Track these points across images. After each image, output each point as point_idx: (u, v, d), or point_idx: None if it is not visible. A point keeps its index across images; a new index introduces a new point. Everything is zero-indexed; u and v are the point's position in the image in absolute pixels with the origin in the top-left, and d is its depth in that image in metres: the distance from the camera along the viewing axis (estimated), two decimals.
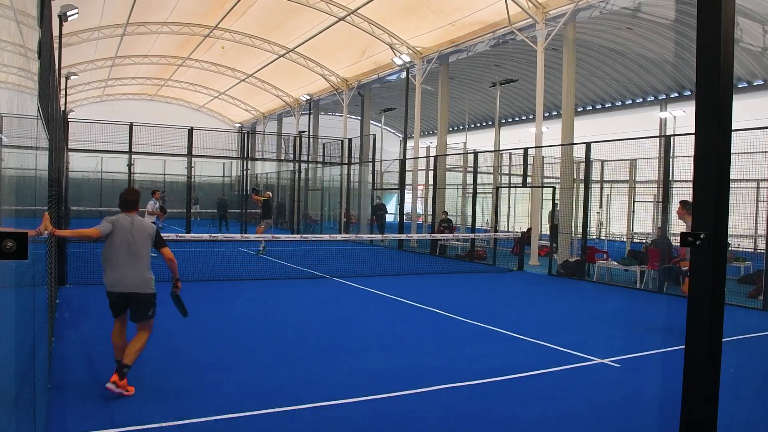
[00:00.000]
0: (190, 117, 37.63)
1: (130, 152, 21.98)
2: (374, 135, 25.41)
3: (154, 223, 15.33)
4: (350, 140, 26.08)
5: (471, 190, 18.76)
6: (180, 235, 14.94)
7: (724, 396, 2.29)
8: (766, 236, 11.33)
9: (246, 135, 27.44)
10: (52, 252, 6.72)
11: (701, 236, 2.18)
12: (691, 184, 2.28)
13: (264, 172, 36.44)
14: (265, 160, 35.15)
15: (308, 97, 30.57)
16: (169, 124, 24.31)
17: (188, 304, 9.87)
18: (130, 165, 21.98)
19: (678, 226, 12.98)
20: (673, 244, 12.19)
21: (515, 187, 20.95)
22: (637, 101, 27.18)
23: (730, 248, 13.54)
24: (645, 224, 16.36)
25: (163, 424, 4.30)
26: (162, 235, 5.56)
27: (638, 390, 5.70)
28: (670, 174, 12.31)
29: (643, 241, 15.57)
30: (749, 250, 16.09)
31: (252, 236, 15.92)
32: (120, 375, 4.86)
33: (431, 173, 21.91)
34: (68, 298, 9.38)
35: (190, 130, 22.97)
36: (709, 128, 2.19)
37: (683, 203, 8.50)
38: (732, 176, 2.36)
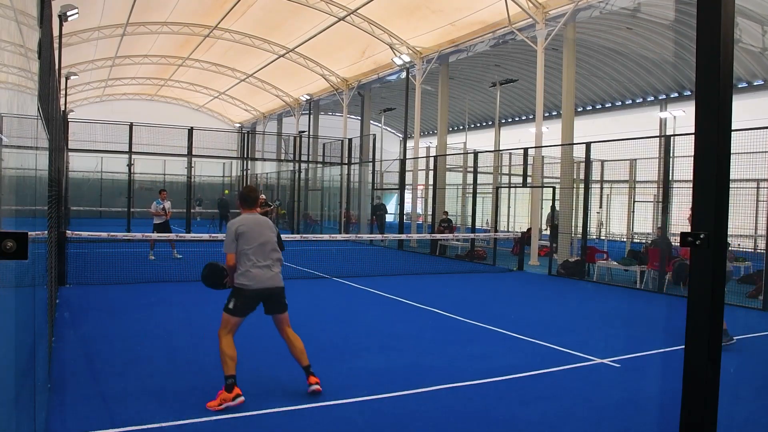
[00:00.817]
0: (190, 117, 37.63)
1: (130, 152, 21.99)
2: (374, 135, 25.42)
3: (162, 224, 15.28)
4: (350, 140, 26.08)
5: (471, 190, 18.76)
6: (180, 235, 14.95)
7: (724, 396, 2.29)
8: (766, 236, 11.33)
9: (246, 135, 27.45)
10: (52, 252, 6.72)
11: (701, 236, 2.18)
12: (691, 184, 2.28)
13: (264, 172, 36.45)
14: (265, 160, 35.15)
15: (308, 97, 30.57)
16: (169, 124, 24.31)
17: (189, 303, 9.91)
18: (130, 165, 21.99)
19: (678, 226, 13.00)
20: (673, 244, 12.19)
21: (515, 187, 20.96)
22: (637, 101, 27.18)
23: (730, 248, 13.54)
24: (645, 224, 16.36)
25: (163, 424, 4.30)
26: (162, 235, 5.53)
27: (638, 390, 5.70)
28: (670, 174, 12.31)
29: (643, 241, 15.58)
30: (749, 250, 16.09)
31: None
32: (308, 375, 5.03)
33: (431, 173, 21.91)
34: (68, 298, 9.38)
35: (190, 130, 22.97)
36: (709, 128, 2.19)
37: None
38: (732, 176, 2.36)
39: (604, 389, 5.64)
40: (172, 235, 14.49)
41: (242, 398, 4.69)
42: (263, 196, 18.54)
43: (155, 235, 14.40)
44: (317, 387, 4.94)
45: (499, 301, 11.25)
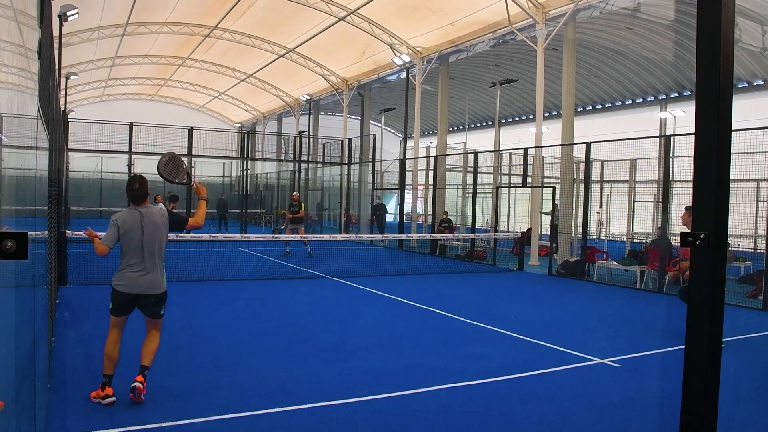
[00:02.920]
0: (190, 117, 37.64)
1: (130, 152, 22.00)
2: (374, 135, 25.41)
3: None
4: (350, 140, 26.09)
5: (471, 190, 18.76)
6: (180, 235, 14.94)
7: (724, 396, 2.29)
8: (766, 236, 11.33)
9: (246, 135, 27.45)
10: (52, 252, 6.72)
11: (701, 236, 2.18)
12: (691, 184, 2.28)
13: (264, 172, 36.45)
14: (265, 160, 35.17)
15: (308, 97, 30.57)
16: (169, 124, 24.32)
17: (189, 303, 9.90)
18: (130, 165, 22.01)
19: (678, 226, 12.98)
20: (673, 244, 12.19)
21: (515, 187, 20.95)
22: (637, 101, 27.18)
23: (730, 248, 13.54)
24: (645, 224, 16.36)
25: (163, 424, 4.30)
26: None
27: (638, 390, 5.70)
28: (670, 174, 12.31)
29: (643, 241, 15.57)
30: (749, 250, 16.09)
31: (282, 237, 16.00)
32: (141, 373, 4.81)
33: (431, 173, 21.91)
34: (68, 298, 9.38)
35: (190, 130, 22.98)
36: (709, 128, 2.19)
37: (689, 209, 8.35)
38: (732, 176, 2.36)
39: (604, 389, 5.64)
40: (171, 236, 14.61)
41: (113, 399, 4.61)
42: (296, 194, 18.48)
43: None
44: (138, 384, 4.65)
45: (499, 301, 11.25)
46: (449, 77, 23.10)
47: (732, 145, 2.23)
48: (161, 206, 5.14)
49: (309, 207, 29.72)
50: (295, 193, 18.48)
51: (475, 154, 19.41)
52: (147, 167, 31.68)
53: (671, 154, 12.34)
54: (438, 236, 17.45)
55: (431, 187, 21.47)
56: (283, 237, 15.89)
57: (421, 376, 5.72)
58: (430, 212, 22.67)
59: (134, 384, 4.68)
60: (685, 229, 8.30)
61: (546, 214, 17.25)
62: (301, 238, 15.52)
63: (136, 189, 4.88)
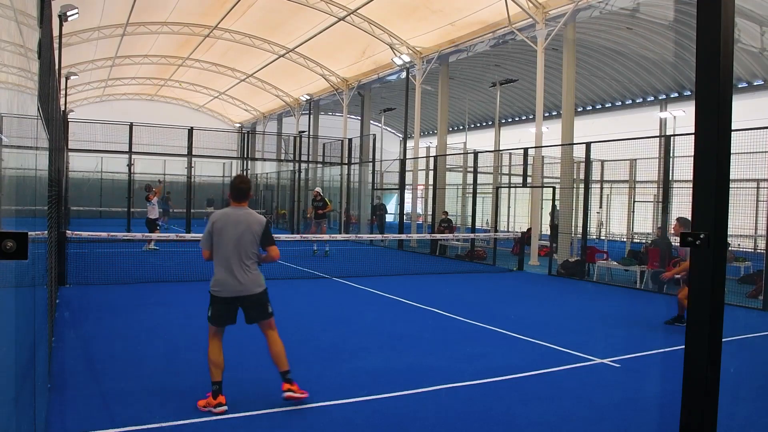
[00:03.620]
0: (190, 117, 37.63)
1: (130, 152, 21.98)
2: (374, 135, 25.41)
3: (158, 225, 15.50)
4: (350, 140, 26.08)
5: (471, 190, 18.76)
6: (180, 235, 14.95)
7: (724, 396, 2.29)
8: (766, 236, 11.33)
9: (246, 135, 27.45)
10: (52, 252, 6.72)
11: (701, 236, 2.18)
12: (691, 184, 2.28)
13: (264, 172, 36.45)
14: (265, 160, 35.15)
15: (308, 97, 30.58)
16: (169, 124, 24.30)
17: (189, 303, 9.90)
18: (130, 165, 22.00)
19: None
20: (673, 244, 12.19)
21: (515, 187, 20.95)
22: (637, 101, 27.18)
23: (730, 248, 13.54)
24: (645, 224, 16.36)
25: (163, 424, 4.30)
26: (162, 235, 5.37)
27: (638, 390, 5.70)
28: (670, 174, 12.31)
29: (643, 241, 15.57)
30: (749, 250, 16.09)
31: (310, 237, 16.03)
32: (286, 381, 4.69)
33: (431, 173, 21.91)
34: (68, 298, 9.38)
35: (190, 130, 22.96)
36: (709, 128, 2.19)
37: (680, 220, 8.03)
38: (732, 176, 2.36)
39: (604, 389, 5.64)
40: (171, 236, 14.73)
41: (224, 407, 4.48)
42: (318, 189, 18.39)
43: (155, 235, 14.69)
44: (289, 394, 4.64)
45: (499, 301, 11.25)
46: (449, 77, 23.10)
47: (732, 145, 2.23)
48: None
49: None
50: (316, 189, 18.47)
51: (475, 154, 19.41)
52: (147, 167, 31.76)
53: (671, 154, 12.35)
54: (438, 236, 17.46)
55: (431, 187, 21.47)
56: (310, 237, 15.86)
57: (421, 376, 5.72)
58: (430, 212, 22.67)
59: (285, 395, 4.63)
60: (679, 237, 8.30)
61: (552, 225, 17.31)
62: (326, 237, 15.59)
63: (237, 185, 4.79)
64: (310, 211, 17.22)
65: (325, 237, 15.63)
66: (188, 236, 14.37)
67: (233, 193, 4.79)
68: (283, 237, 16.55)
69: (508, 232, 19.82)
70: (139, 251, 15.62)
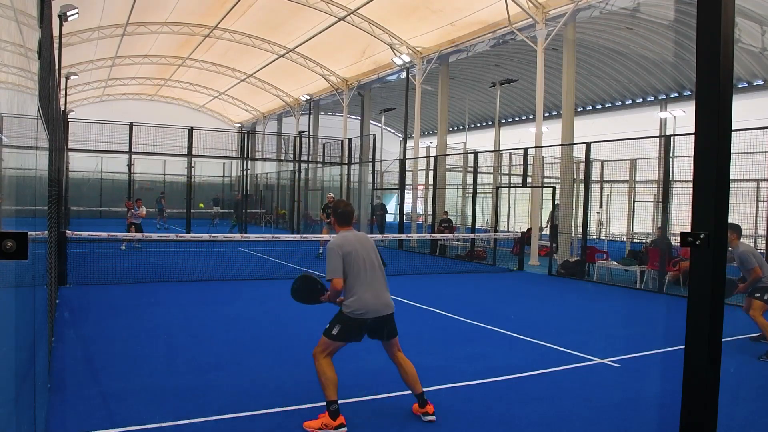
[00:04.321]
0: (190, 117, 37.64)
1: (130, 152, 21.99)
2: (374, 135, 25.41)
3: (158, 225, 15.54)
4: (350, 140, 26.09)
5: (471, 190, 18.76)
6: (180, 235, 14.96)
7: (724, 396, 2.29)
8: (766, 236, 11.33)
9: (246, 135, 27.45)
10: (52, 252, 6.72)
11: (701, 236, 2.18)
12: (691, 184, 2.28)
13: (264, 172, 36.46)
14: (265, 160, 35.16)
15: (308, 97, 30.58)
16: (169, 124, 24.31)
17: (188, 303, 9.89)
18: (130, 165, 22.02)
19: (678, 226, 13.00)
20: (673, 244, 12.19)
21: (515, 187, 20.96)
22: (637, 101, 27.18)
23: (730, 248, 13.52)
24: (645, 224, 16.35)
25: (163, 424, 4.30)
26: (162, 235, 5.37)
27: (638, 390, 5.70)
28: (670, 174, 12.31)
29: (643, 241, 15.57)
30: None
31: (311, 236, 15.98)
32: (422, 403, 4.58)
33: (431, 173, 21.91)
34: (68, 298, 9.38)
35: (190, 130, 22.97)
36: (709, 128, 2.19)
37: (731, 227, 7.17)
38: (732, 176, 2.36)
39: (604, 389, 5.64)
40: (171, 235, 14.77)
41: (345, 429, 4.23)
42: (331, 195, 18.37)
43: (155, 235, 14.73)
44: (432, 417, 4.53)
45: (499, 301, 11.25)
46: (449, 77, 23.10)
47: (732, 145, 2.23)
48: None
49: (310, 207, 29.76)
50: (330, 194, 18.51)
51: (475, 154, 19.41)
52: (147, 167, 31.71)
53: (671, 154, 12.34)
54: (438, 236, 17.45)
55: (431, 187, 21.47)
56: (311, 236, 15.86)
57: (421, 376, 5.70)
58: (430, 212, 22.67)
59: (425, 419, 4.54)
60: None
61: (545, 227, 17.32)
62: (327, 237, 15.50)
63: (344, 210, 4.71)
64: (323, 216, 17.22)
65: (309, 237, 15.60)
66: (188, 236, 14.38)
67: (341, 219, 4.72)
68: (283, 237, 16.55)
69: (508, 232, 19.82)
70: (140, 251, 15.64)
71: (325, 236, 15.51)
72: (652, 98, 26.27)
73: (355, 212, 4.72)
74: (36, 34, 3.19)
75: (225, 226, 27.47)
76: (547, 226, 16.91)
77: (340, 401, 4.45)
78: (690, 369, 2.25)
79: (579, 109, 28.09)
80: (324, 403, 4.36)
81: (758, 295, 7.04)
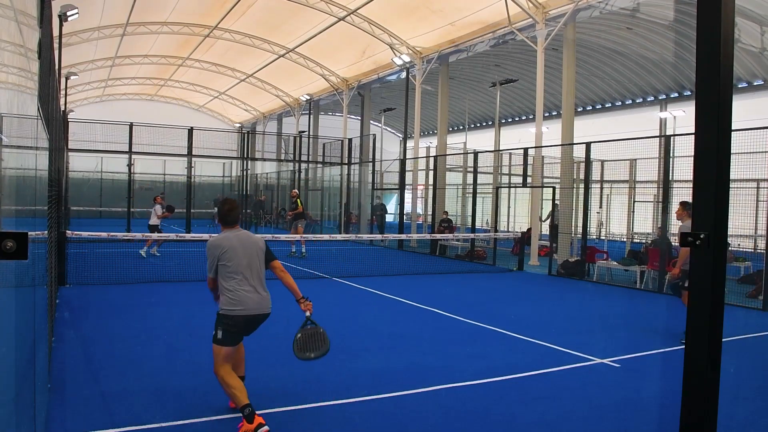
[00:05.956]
0: (190, 117, 37.63)
1: (130, 152, 21.98)
2: (374, 135, 25.42)
3: (157, 226, 15.47)
4: (350, 140, 26.09)
5: (471, 190, 18.76)
6: (180, 235, 14.95)
7: (724, 396, 2.29)
8: (766, 236, 11.33)
9: (246, 135, 27.45)
10: (52, 252, 6.72)
11: (701, 236, 2.18)
12: (691, 184, 2.28)
13: (264, 172, 36.45)
14: (265, 160, 35.16)
15: (308, 97, 30.58)
16: (169, 124, 24.30)
17: (189, 304, 9.90)
18: (130, 165, 21.99)
19: (678, 225, 12.98)
20: (673, 244, 12.18)
21: (515, 187, 20.96)
22: (637, 101, 27.18)
23: (730, 248, 13.54)
24: (645, 224, 16.35)
25: (163, 424, 4.30)
26: (163, 235, 5.38)
27: (638, 390, 5.70)
28: (670, 174, 12.31)
29: (643, 241, 15.57)
30: (749, 250, 16.09)
31: (282, 237, 15.84)
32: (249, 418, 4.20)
33: (431, 173, 21.91)
34: (68, 298, 9.38)
35: (190, 130, 22.97)
36: (709, 128, 2.19)
37: (683, 204, 8.33)
38: (732, 176, 2.36)
39: (604, 389, 5.64)
40: (171, 235, 14.77)
41: (266, 428, 4.13)
42: (294, 191, 18.31)
43: (155, 235, 14.71)
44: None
45: (499, 301, 11.25)
46: (449, 77, 23.10)
47: (732, 145, 2.23)
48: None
49: (310, 207, 29.74)
50: (293, 191, 18.48)
51: (475, 154, 19.41)
52: (147, 167, 31.68)
53: (671, 154, 12.34)
54: (438, 236, 17.45)
55: (431, 187, 21.47)
56: (283, 237, 15.81)
57: (421, 376, 5.72)
58: (430, 212, 22.67)
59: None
60: (681, 224, 8.32)
61: (545, 221, 17.29)
62: (299, 237, 15.32)
63: (227, 211, 4.68)
64: (288, 213, 17.14)
65: (297, 237, 15.35)
66: (188, 236, 14.37)
67: (224, 219, 4.70)
68: (282, 237, 16.54)
69: (508, 232, 19.82)
70: (140, 252, 15.61)
71: (296, 236, 15.45)
72: (652, 98, 26.27)
73: (239, 212, 4.75)
74: (36, 34, 3.19)
75: (203, 226, 27.44)
76: (547, 219, 16.87)
77: (342, 401, 4.45)
78: (690, 369, 2.25)
79: (579, 109, 28.09)
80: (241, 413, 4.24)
81: (681, 283, 7.84)
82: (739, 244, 15.47)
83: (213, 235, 13.73)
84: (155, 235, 14.75)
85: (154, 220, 15.33)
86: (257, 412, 4.22)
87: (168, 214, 15.58)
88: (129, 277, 11.57)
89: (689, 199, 7.24)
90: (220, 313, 4.57)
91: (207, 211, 32.00)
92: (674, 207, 12.60)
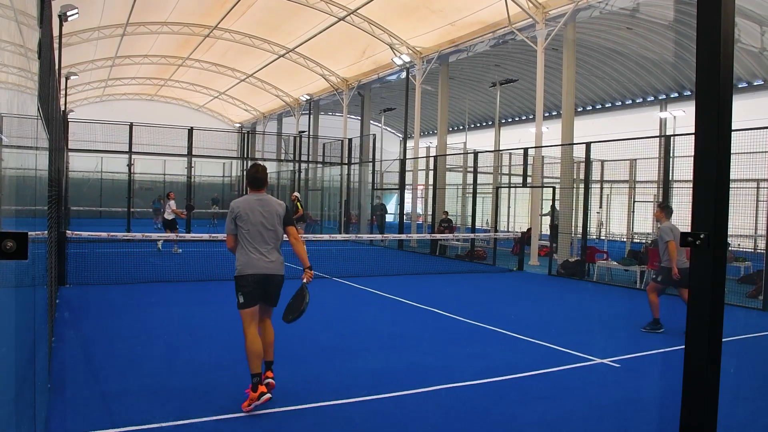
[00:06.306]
0: (190, 117, 37.63)
1: (130, 152, 21.98)
2: (374, 135, 25.42)
3: (174, 222, 15.45)
4: (350, 140, 26.09)
5: (471, 190, 18.76)
6: (180, 234, 14.96)
7: (724, 396, 2.29)
8: (766, 236, 11.33)
9: (246, 135, 27.45)
10: (52, 252, 6.72)
11: (701, 236, 2.18)
12: (691, 184, 2.28)
13: None
14: (265, 160, 35.09)
15: (308, 97, 30.58)
16: (169, 124, 24.31)
17: (189, 304, 9.89)
18: (130, 165, 22.00)
19: (678, 225, 12.98)
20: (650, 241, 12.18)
21: (515, 187, 20.96)
22: (637, 101, 27.18)
23: (730, 248, 13.55)
24: (645, 224, 16.36)
25: (163, 424, 4.30)
26: (162, 235, 5.44)
27: (638, 390, 5.70)
28: (670, 174, 12.31)
29: (643, 241, 15.57)
30: (749, 250, 16.09)
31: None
32: (266, 367, 4.85)
33: (431, 173, 21.91)
34: (68, 298, 9.38)
35: (190, 130, 22.97)
36: (709, 128, 2.19)
37: (660, 205, 8.82)
38: (732, 176, 2.36)
39: (604, 389, 5.64)
40: (171, 235, 14.74)
41: (269, 395, 4.59)
42: (295, 194, 18.31)
43: (155, 235, 14.73)
44: (268, 396, 4.65)
45: (499, 301, 11.25)
46: (449, 77, 23.10)
47: (732, 145, 2.23)
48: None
49: (310, 207, 29.72)
50: (294, 193, 18.45)
51: (475, 154, 19.41)
52: (147, 167, 31.65)
53: (671, 154, 12.35)
54: (438, 236, 17.45)
55: (431, 187, 21.47)
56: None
57: (421, 376, 5.72)
58: (430, 212, 22.67)
59: (265, 381, 4.77)
60: (683, 224, 8.43)
61: (545, 215, 17.27)
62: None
63: (253, 174, 4.96)
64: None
65: (309, 237, 15.32)
66: (188, 236, 14.39)
67: (251, 182, 4.98)
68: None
69: (508, 232, 19.82)
70: (146, 251, 15.60)
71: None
72: (652, 98, 26.27)
73: (267, 179, 5.12)
74: (36, 34, 3.19)
75: (203, 226, 27.45)
76: (548, 214, 16.85)
77: (342, 401, 4.46)
78: (690, 369, 2.25)
79: (579, 109, 28.09)
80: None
81: (653, 276, 8.16)
82: (739, 244, 15.47)
83: (213, 235, 13.68)
84: (155, 235, 14.78)
85: (169, 215, 15.38)
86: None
87: (183, 214, 15.57)
88: (129, 277, 11.58)
89: (689, 199, 7.24)
90: (234, 276, 4.84)
91: (211, 211, 32.03)
92: (674, 207, 12.62)
